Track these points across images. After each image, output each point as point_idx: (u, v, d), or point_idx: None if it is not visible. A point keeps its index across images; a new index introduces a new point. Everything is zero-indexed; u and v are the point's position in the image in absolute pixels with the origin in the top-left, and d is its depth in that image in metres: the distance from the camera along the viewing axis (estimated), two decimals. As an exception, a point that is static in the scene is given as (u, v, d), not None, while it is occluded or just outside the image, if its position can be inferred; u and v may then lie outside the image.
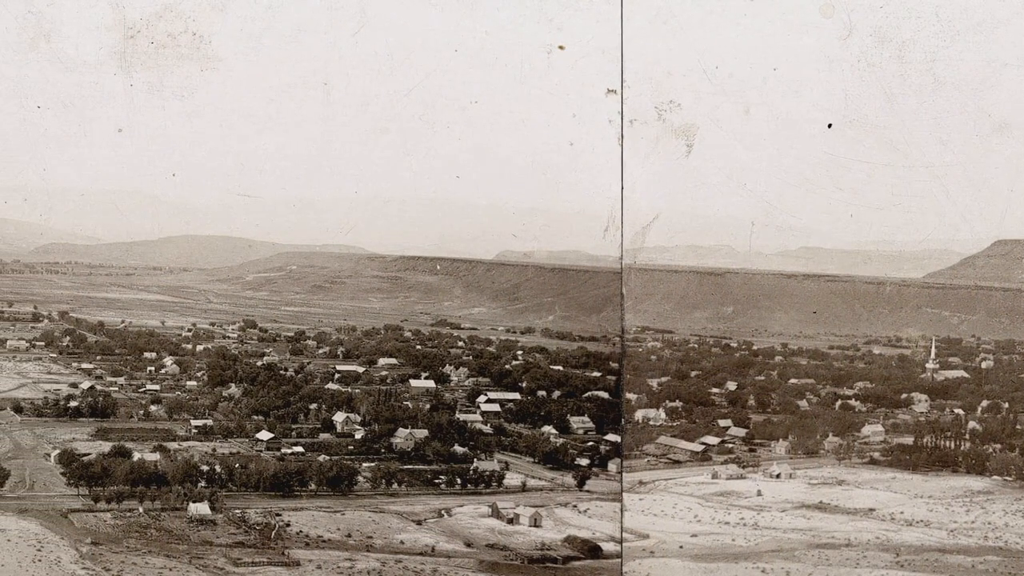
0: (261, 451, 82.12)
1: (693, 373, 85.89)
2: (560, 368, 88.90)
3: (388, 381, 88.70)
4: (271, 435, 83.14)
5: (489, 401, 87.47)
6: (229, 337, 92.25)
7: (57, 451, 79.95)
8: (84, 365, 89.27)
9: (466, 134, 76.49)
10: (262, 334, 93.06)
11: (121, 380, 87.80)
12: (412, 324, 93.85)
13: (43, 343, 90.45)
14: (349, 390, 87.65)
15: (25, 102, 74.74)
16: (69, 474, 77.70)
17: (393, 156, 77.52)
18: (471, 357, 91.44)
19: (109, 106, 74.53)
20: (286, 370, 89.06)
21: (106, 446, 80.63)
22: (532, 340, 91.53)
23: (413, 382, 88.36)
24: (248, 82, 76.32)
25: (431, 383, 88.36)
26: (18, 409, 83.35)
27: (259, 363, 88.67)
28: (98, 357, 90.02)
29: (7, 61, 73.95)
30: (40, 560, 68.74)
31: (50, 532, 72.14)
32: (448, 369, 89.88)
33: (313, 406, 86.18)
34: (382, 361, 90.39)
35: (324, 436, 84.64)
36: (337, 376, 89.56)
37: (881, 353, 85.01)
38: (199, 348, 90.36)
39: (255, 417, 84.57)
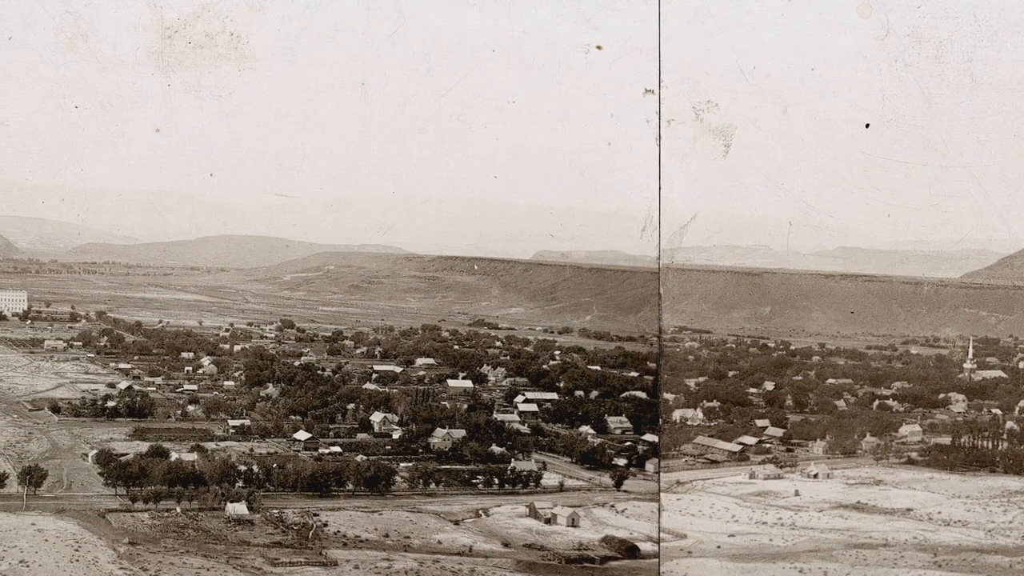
0: (299, 451, 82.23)
1: (731, 373, 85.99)
2: (597, 368, 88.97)
3: (426, 381, 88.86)
4: (309, 435, 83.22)
5: (527, 401, 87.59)
6: (267, 337, 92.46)
7: (94, 451, 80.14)
8: (122, 365, 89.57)
9: (504, 134, 76.61)
10: (300, 334, 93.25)
11: (159, 380, 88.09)
12: (450, 324, 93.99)
13: (80, 343, 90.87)
14: (387, 390, 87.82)
15: (63, 102, 75.05)
16: (106, 474, 77.86)
17: (431, 156, 77.56)
18: (508, 357, 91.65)
19: (147, 106, 74.81)
20: (324, 370, 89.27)
21: (144, 446, 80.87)
22: (570, 340, 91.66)
23: (451, 382, 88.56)
24: (285, 82, 76.53)
25: (468, 383, 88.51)
26: (56, 409, 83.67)
27: (297, 363, 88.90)
28: (136, 357, 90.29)
29: (45, 61, 74.27)
30: (78, 560, 68.89)
31: (88, 532, 72.27)
32: (486, 369, 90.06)
33: (351, 406, 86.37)
34: (420, 361, 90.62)
35: (362, 436, 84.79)
36: (375, 376, 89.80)
37: (919, 353, 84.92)
38: (237, 348, 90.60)
39: (293, 417, 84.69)
